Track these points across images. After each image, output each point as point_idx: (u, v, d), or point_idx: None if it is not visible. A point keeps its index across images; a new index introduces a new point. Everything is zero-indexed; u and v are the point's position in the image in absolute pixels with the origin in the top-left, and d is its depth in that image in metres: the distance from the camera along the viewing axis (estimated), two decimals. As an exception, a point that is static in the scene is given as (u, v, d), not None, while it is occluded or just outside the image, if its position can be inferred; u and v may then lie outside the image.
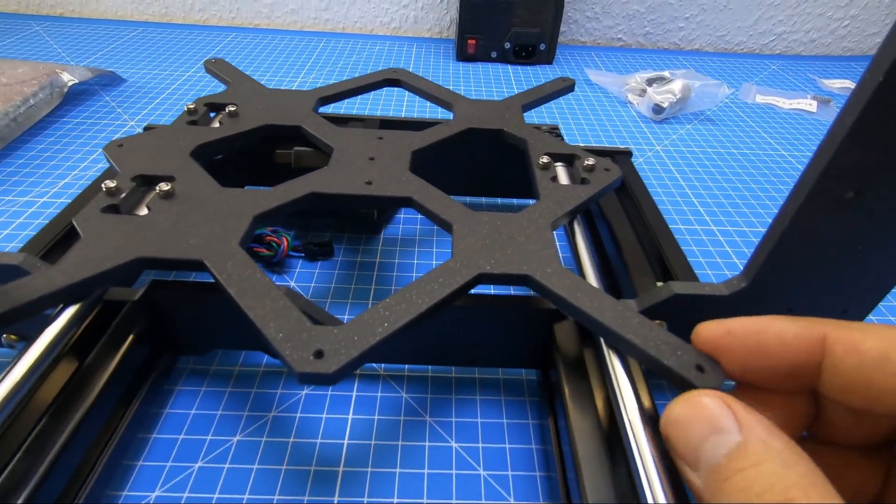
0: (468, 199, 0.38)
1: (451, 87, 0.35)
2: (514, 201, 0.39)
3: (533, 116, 0.53)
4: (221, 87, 0.34)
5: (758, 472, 0.12)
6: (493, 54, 0.66)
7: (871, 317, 0.31)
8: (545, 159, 0.27)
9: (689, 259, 0.28)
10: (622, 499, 0.17)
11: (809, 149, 0.50)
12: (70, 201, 0.30)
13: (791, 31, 0.76)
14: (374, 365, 0.26)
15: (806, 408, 0.16)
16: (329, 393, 0.25)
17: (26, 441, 0.18)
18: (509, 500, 0.21)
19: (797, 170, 0.46)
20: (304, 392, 0.25)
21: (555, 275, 0.20)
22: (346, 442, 0.23)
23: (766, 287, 0.20)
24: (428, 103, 0.53)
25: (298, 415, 0.24)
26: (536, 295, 0.21)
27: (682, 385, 0.16)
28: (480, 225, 0.23)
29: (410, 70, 0.37)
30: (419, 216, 0.36)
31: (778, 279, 0.20)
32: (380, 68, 0.49)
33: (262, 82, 0.38)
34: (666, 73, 0.58)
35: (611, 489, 0.17)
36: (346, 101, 0.38)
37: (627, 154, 0.38)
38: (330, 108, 0.47)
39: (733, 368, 0.16)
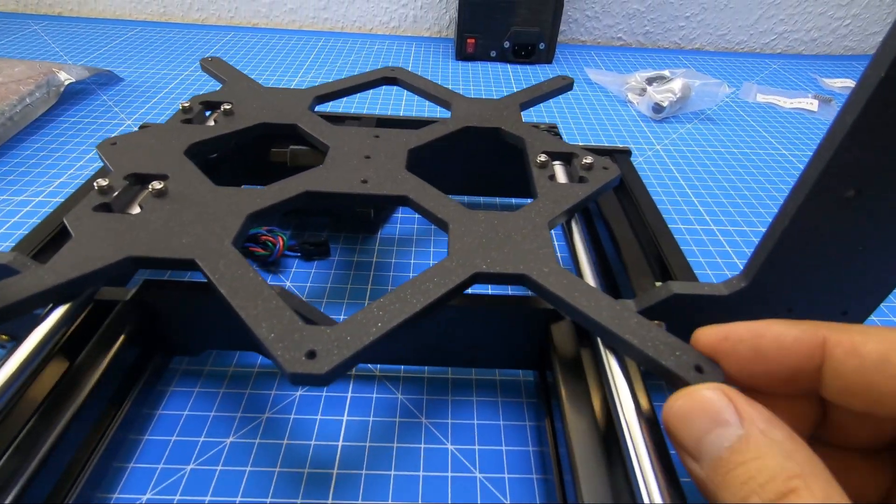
0: (466, 198, 0.38)
1: (450, 87, 0.35)
2: (513, 201, 0.39)
3: (532, 116, 0.52)
4: (219, 87, 0.34)
5: (759, 464, 0.12)
6: (493, 53, 0.66)
7: (873, 318, 0.30)
8: (543, 158, 0.27)
9: (688, 259, 0.28)
10: (619, 500, 0.17)
11: (810, 148, 0.50)
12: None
13: (792, 31, 0.76)
14: (369, 366, 0.26)
15: (810, 411, 0.16)
16: (324, 394, 0.24)
17: (14, 441, 0.17)
18: (505, 502, 0.21)
19: (798, 169, 0.46)
20: (298, 393, 0.24)
21: (552, 274, 0.20)
22: (340, 444, 0.22)
23: (765, 287, 0.20)
24: (426, 102, 0.53)
25: (293, 416, 0.23)
26: (534, 295, 0.21)
27: (680, 387, 0.16)
28: (477, 224, 0.22)
29: (409, 69, 0.37)
30: (417, 216, 0.36)
31: (778, 279, 0.19)
32: (379, 68, 0.49)
33: (261, 82, 0.38)
34: (666, 73, 0.58)
35: (608, 491, 0.17)
36: (344, 100, 0.38)
37: (626, 153, 0.38)
38: (329, 107, 0.47)
39: (733, 374, 0.16)
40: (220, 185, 0.24)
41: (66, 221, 0.21)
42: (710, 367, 0.16)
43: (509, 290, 0.31)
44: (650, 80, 0.57)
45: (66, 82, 0.48)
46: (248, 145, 0.32)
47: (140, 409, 0.23)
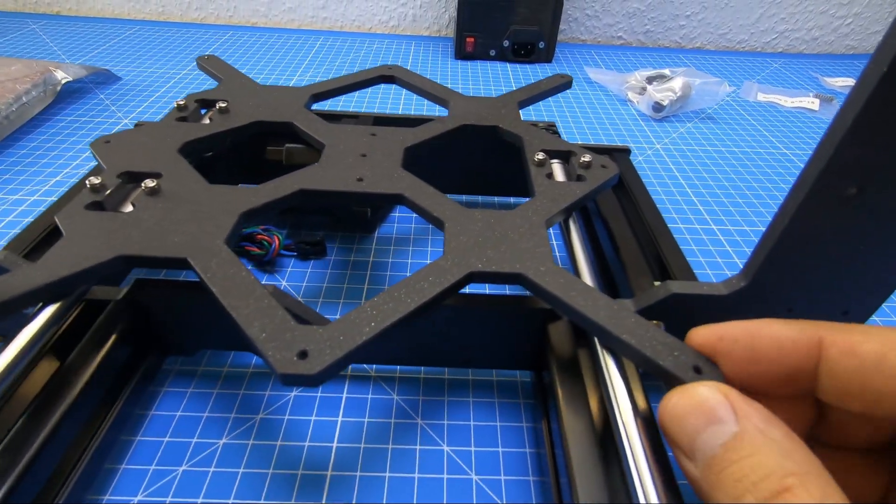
0: (464, 197, 0.38)
1: (449, 86, 0.35)
2: (511, 200, 0.38)
3: (532, 115, 0.52)
4: (216, 86, 0.34)
5: (754, 462, 0.11)
6: (492, 52, 0.66)
7: (874, 318, 0.30)
8: (541, 156, 0.27)
9: (688, 259, 0.28)
10: (615, 502, 0.16)
11: (811, 147, 0.50)
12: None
13: (793, 29, 0.76)
14: (364, 366, 0.26)
15: (808, 412, 0.16)
16: (318, 395, 0.24)
17: (3, 441, 0.17)
18: (501, 504, 0.21)
19: (799, 168, 0.46)
20: (292, 394, 0.24)
21: (548, 273, 0.20)
22: (334, 445, 0.22)
23: (765, 286, 0.19)
24: (424, 101, 0.52)
25: (287, 417, 0.23)
26: (531, 295, 0.21)
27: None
28: (473, 222, 0.22)
29: (409, 69, 0.37)
30: (414, 215, 0.36)
31: (778, 278, 0.19)
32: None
33: (260, 82, 0.38)
34: (666, 71, 0.58)
35: (604, 491, 0.17)
36: (342, 98, 0.38)
37: (626, 152, 0.38)
38: (326, 105, 0.46)
39: (729, 375, 0.15)
40: (215, 183, 0.24)
41: (57, 220, 0.21)
42: (709, 368, 0.16)
43: (506, 290, 0.30)
44: (650, 79, 0.57)
45: (63, 81, 0.47)
46: (243, 143, 0.32)
47: (132, 409, 0.22)
